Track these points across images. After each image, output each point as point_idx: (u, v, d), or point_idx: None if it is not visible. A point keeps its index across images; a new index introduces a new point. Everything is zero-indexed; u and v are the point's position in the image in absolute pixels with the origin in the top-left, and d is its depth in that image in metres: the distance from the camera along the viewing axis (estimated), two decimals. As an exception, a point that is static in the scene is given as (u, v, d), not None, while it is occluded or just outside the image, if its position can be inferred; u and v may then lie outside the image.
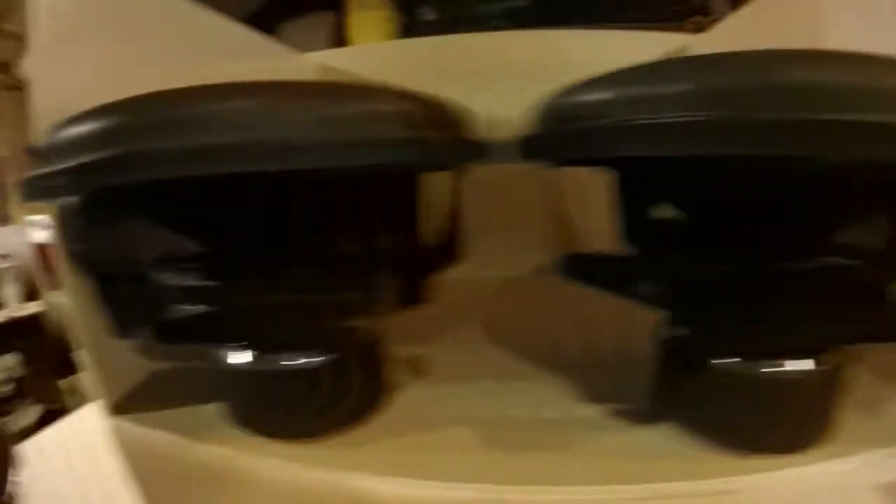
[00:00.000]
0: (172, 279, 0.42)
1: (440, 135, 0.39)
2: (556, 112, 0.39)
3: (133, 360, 0.50)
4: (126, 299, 0.40)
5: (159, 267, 0.42)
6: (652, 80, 0.32)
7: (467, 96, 0.74)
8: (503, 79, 0.73)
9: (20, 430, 2.06)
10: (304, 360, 0.41)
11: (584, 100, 0.36)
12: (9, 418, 2.19)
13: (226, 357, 0.42)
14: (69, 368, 1.72)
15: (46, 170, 0.36)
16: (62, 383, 1.82)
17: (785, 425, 0.39)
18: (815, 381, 0.38)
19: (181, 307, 0.42)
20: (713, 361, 0.39)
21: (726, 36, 0.71)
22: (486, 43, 0.76)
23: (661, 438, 0.40)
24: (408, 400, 0.48)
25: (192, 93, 0.33)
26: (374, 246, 0.45)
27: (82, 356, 1.76)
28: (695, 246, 0.43)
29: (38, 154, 0.38)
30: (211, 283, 0.42)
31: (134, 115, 0.33)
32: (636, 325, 0.47)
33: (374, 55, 0.82)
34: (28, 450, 0.35)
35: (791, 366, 0.37)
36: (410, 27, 2.85)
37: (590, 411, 0.44)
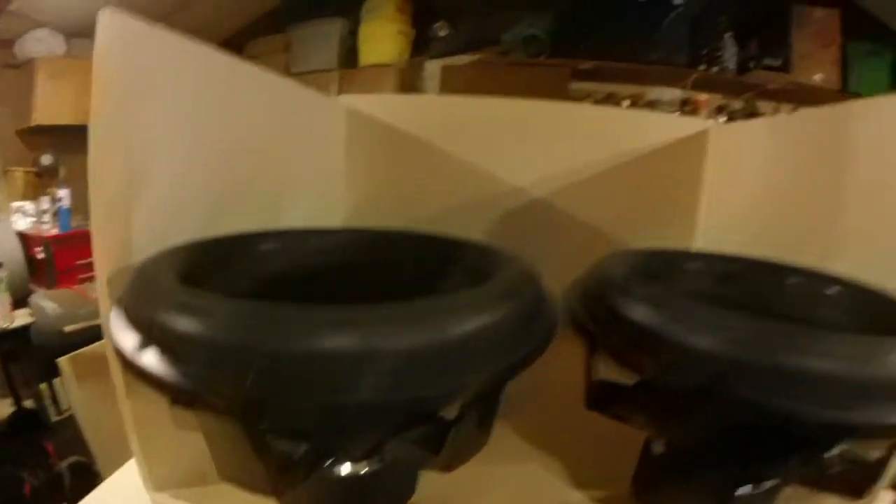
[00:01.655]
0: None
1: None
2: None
3: (180, 431, 0.46)
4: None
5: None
6: None
7: (493, 158, 0.74)
8: (528, 144, 0.75)
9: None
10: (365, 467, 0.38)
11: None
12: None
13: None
14: (51, 373, 1.66)
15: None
16: (42, 387, 1.77)
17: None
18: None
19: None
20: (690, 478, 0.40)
21: (746, 132, 0.75)
22: (517, 108, 0.78)
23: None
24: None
25: None
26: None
27: (66, 366, 1.66)
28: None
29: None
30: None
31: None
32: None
33: (406, 107, 0.82)
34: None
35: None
36: (424, 42, 2.83)
37: (581, 497, 0.47)
